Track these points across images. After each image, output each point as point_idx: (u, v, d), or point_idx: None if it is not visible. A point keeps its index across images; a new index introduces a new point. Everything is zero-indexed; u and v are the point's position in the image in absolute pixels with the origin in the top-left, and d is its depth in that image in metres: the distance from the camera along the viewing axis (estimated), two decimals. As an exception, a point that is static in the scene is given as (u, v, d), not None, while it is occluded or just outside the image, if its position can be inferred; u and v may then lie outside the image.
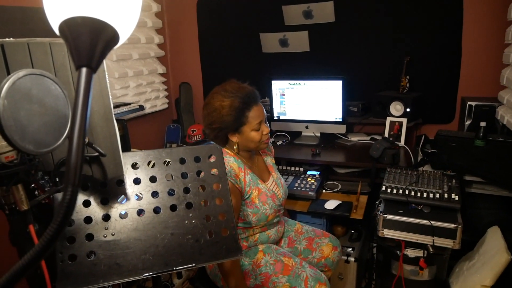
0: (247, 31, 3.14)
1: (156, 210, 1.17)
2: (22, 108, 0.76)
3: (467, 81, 2.70)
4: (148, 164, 1.20)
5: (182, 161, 1.20)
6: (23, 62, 0.94)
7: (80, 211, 1.13)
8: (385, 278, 1.96)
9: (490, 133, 2.31)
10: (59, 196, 1.10)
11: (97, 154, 0.97)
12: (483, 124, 2.28)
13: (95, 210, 1.13)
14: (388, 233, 1.80)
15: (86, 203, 1.13)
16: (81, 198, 1.13)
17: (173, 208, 1.18)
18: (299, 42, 3.00)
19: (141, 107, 2.68)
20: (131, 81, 2.87)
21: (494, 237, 1.86)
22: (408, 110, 2.55)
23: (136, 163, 1.20)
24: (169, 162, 1.20)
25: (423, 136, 2.46)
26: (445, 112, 2.79)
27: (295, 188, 2.25)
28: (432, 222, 1.71)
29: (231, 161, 1.64)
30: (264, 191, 1.71)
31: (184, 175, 1.19)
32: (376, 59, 2.84)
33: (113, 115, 0.99)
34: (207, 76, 3.43)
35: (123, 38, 0.52)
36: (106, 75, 0.97)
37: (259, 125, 1.66)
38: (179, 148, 1.20)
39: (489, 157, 2.12)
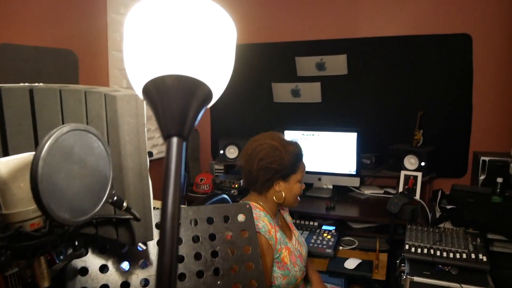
0: (259, 80, 3.17)
1: (181, 278, 1.08)
2: (62, 169, 0.68)
3: (478, 135, 2.71)
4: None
5: (210, 220, 1.13)
6: (53, 110, 0.88)
7: (96, 278, 1.02)
8: None
9: (505, 189, 2.28)
10: (76, 262, 1.02)
11: (129, 217, 0.90)
12: (500, 180, 2.25)
13: (113, 278, 1.04)
14: (415, 296, 1.70)
15: (103, 268, 1.02)
16: (97, 262, 1.03)
17: (199, 274, 1.09)
18: (311, 93, 3.02)
19: (150, 153, 2.62)
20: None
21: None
22: (423, 164, 2.53)
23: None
24: (196, 221, 1.13)
25: (440, 191, 2.41)
26: (458, 166, 2.77)
27: (311, 244, 2.16)
28: (462, 285, 1.62)
29: (262, 216, 1.57)
30: (293, 250, 1.62)
31: (212, 237, 1.12)
32: (389, 112, 2.86)
33: (148, 174, 0.92)
34: (216, 123, 3.41)
35: (215, 98, 0.47)
36: (145, 128, 0.91)
37: (301, 180, 1.65)
38: (207, 206, 1.13)
39: (508, 213, 2.06)
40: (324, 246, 2.14)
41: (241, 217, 1.17)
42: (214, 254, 1.11)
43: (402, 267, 1.81)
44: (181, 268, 1.08)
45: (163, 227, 0.40)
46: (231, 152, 3.05)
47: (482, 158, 2.45)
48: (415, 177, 2.51)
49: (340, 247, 2.25)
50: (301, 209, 2.46)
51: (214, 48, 0.44)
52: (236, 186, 2.66)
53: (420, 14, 2.73)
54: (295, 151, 1.60)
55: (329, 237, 2.22)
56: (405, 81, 2.80)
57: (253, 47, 3.14)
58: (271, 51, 3.10)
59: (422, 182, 2.52)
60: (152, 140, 3.04)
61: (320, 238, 2.22)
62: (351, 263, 2.05)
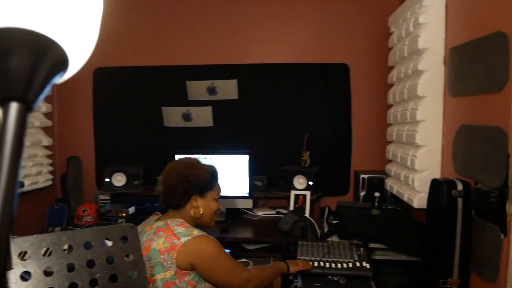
0: (149, 104, 3.07)
1: (53, 311, 0.93)
2: None
3: (358, 156, 2.96)
4: (43, 253, 0.98)
5: (88, 245, 1.01)
6: None
7: None
8: None
9: (382, 203, 2.50)
10: None
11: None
12: (377, 194, 2.47)
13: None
14: (309, 310, 1.73)
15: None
16: None
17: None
18: (203, 117, 3.00)
19: (20, 184, 2.32)
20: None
21: (402, 303, 1.91)
22: (310, 183, 2.65)
23: (24, 252, 0.97)
24: (71, 248, 0.99)
25: (327, 207, 2.54)
26: (341, 184, 2.97)
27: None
28: (350, 293, 1.70)
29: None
30: None
31: (90, 264, 0.99)
32: (279, 135, 2.98)
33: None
34: (102, 150, 3.17)
35: (73, 67, 0.39)
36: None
37: (217, 199, 1.74)
38: (85, 230, 1.01)
39: (385, 224, 2.26)
40: (219, 270, 2.07)
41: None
42: (93, 282, 0.98)
43: (295, 282, 1.83)
44: (52, 302, 0.93)
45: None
46: (118, 180, 2.85)
47: (362, 176, 2.67)
48: (304, 196, 2.62)
49: (235, 270, 2.21)
50: (195, 234, 2.37)
51: (72, 6, 0.37)
52: (124, 214, 2.47)
53: (304, 44, 2.95)
54: (210, 169, 1.71)
55: (224, 260, 2.16)
56: (292, 106, 2.96)
57: (142, 70, 3.05)
58: (161, 75, 3.04)
59: (311, 201, 2.64)
60: (24, 170, 2.69)
61: (215, 262, 2.15)
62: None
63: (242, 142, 2.96)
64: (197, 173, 1.65)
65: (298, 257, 1.94)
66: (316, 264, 1.88)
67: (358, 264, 1.87)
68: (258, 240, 2.39)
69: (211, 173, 1.71)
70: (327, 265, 1.87)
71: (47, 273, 0.95)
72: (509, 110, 1.40)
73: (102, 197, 2.85)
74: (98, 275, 0.98)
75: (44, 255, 0.96)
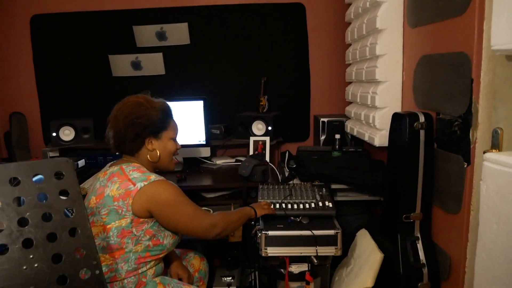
0: (94, 53, 2.83)
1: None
2: None
3: (317, 100, 2.89)
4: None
5: (15, 181, 0.87)
6: None
7: None
8: (271, 301, 1.83)
9: (343, 146, 2.47)
10: None
11: None
12: (337, 136, 2.43)
13: None
14: (272, 251, 1.68)
15: None
16: None
17: (1, 250, 0.82)
18: (154, 64, 2.81)
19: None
20: None
21: (364, 240, 1.92)
22: (269, 128, 2.57)
23: None
24: (-7, 185, 0.85)
25: (287, 152, 2.48)
26: (301, 129, 2.93)
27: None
28: (313, 231, 1.66)
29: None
30: None
31: (18, 201, 0.86)
32: (235, 80, 2.86)
33: None
34: (47, 104, 2.92)
35: None
36: None
37: (175, 138, 1.61)
38: (9, 164, 0.86)
39: (347, 165, 2.23)
40: (177, 218, 1.98)
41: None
42: (22, 222, 0.85)
43: (257, 226, 1.78)
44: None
45: None
46: (66, 134, 2.66)
47: (322, 119, 2.62)
48: (264, 142, 2.54)
49: (195, 218, 2.13)
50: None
51: None
52: (75, 168, 2.30)
53: (256, -16, 2.77)
54: (162, 106, 1.55)
55: (182, 209, 2.07)
56: (247, 49, 2.82)
57: (84, 15, 2.78)
58: (105, 20, 2.79)
59: (271, 147, 2.57)
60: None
61: (173, 211, 2.05)
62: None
63: (197, 89, 2.80)
64: (147, 113, 1.49)
65: (259, 200, 1.88)
66: (277, 206, 1.82)
67: (320, 204, 1.83)
68: (217, 188, 2.30)
69: (164, 110, 1.55)
70: (289, 206, 1.83)
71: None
72: (473, 32, 1.34)
73: (51, 154, 2.64)
74: (28, 213, 0.85)
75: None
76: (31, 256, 0.83)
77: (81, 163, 2.41)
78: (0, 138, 2.86)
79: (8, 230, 0.82)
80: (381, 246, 1.75)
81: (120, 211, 1.37)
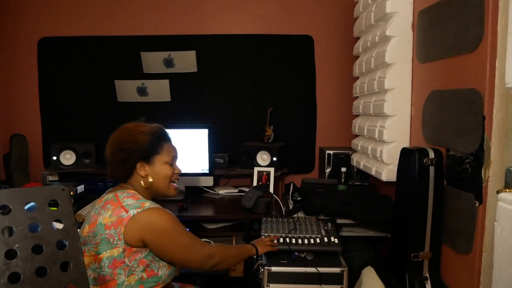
0: (100, 77, 2.83)
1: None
2: None
3: (323, 132, 2.86)
4: None
5: (5, 209, 0.82)
6: None
7: None
8: None
9: (349, 179, 2.41)
10: None
11: None
12: (343, 169, 2.37)
13: None
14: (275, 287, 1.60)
15: None
16: None
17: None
18: (160, 91, 2.80)
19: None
20: None
21: (369, 278, 1.83)
22: (274, 159, 2.53)
23: None
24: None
25: (292, 184, 2.43)
26: (306, 161, 2.88)
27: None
28: (318, 268, 1.59)
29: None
30: None
31: (8, 231, 0.81)
32: (240, 109, 2.84)
33: None
34: (49, 127, 2.90)
35: None
36: None
37: (172, 161, 1.52)
38: (1, 191, 0.82)
39: (353, 199, 2.17)
40: (177, 250, 1.91)
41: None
42: (11, 254, 0.80)
43: (260, 261, 1.70)
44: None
45: None
46: (67, 158, 2.61)
47: (327, 152, 2.58)
48: (268, 173, 2.49)
49: (195, 250, 2.06)
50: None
51: None
52: (72, 193, 2.25)
53: (266, 15, 2.80)
54: (151, 130, 1.49)
55: (182, 240, 2.00)
56: (254, 79, 2.82)
57: (92, 40, 2.80)
58: (113, 45, 2.80)
59: (275, 178, 2.51)
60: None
61: (172, 241, 1.98)
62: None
63: (202, 117, 2.78)
64: (134, 139, 1.45)
65: (263, 234, 1.82)
66: (281, 240, 1.76)
67: (326, 239, 1.77)
68: (219, 219, 2.24)
69: (154, 134, 1.49)
70: (293, 241, 1.76)
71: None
72: (485, 69, 1.32)
73: (50, 178, 2.60)
74: (17, 245, 0.80)
75: None
76: (17, 292, 0.77)
77: (80, 188, 2.36)
78: (-1, 160, 2.82)
79: (-5, 263, 0.77)
80: (388, 286, 1.67)
81: (111, 240, 1.31)
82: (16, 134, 2.79)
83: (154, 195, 1.52)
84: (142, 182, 1.46)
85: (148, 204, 1.36)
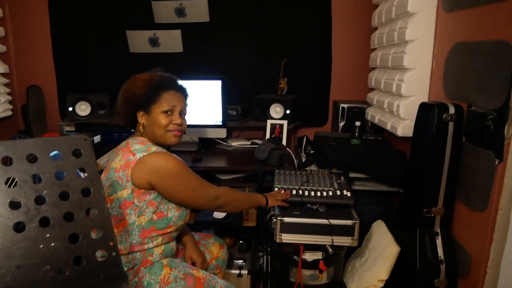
0: (112, 28, 2.77)
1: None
2: None
3: (338, 84, 2.80)
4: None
5: (33, 159, 0.84)
6: None
7: None
8: (283, 287, 1.80)
9: (363, 133, 2.40)
10: None
11: None
12: (358, 123, 2.35)
13: None
14: (287, 237, 1.64)
15: None
16: None
17: (18, 227, 0.80)
18: (172, 41, 2.74)
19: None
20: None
21: (380, 231, 1.87)
22: (288, 112, 2.51)
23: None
24: (11, 160, 0.82)
25: (305, 137, 2.43)
26: (320, 114, 2.85)
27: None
28: (330, 220, 1.62)
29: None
30: None
31: (36, 179, 0.83)
32: (254, 61, 2.78)
33: None
34: (63, 78, 2.90)
35: None
36: None
37: (171, 111, 1.50)
38: (27, 140, 0.83)
39: (366, 153, 2.17)
40: (192, 199, 1.96)
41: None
42: (40, 200, 0.82)
43: (272, 211, 1.74)
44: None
45: None
46: (83, 109, 2.63)
47: (341, 105, 2.54)
48: (281, 126, 2.49)
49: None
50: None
51: None
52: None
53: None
54: (151, 79, 1.50)
55: (197, 190, 2.04)
56: (267, 29, 2.73)
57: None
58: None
59: (288, 131, 2.51)
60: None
61: (187, 191, 2.03)
62: (220, 213, 1.92)
63: (215, 68, 2.73)
64: (133, 88, 1.48)
65: (275, 186, 1.84)
66: (294, 192, 1.78)
67: (338, 192, 1.78)
68: (232, 170, 2.27)
69: (152, 83, 1.48)
70: (306, 193, 1.78)
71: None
72: (517, 20, 1.25)
73: (67, 128, 2.63)
74: (45, 191, 0.82)
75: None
76: (47, 235, 0.81)
77: (97, 139, 2.39)
78: (17, 110, 2.85)
79: (25, 208, 0.79)
80: (397, 239, 1.71)
81: (120, 181, 1.38)
82: (32, 86, 2.80)
83: (158, 143, 1.52)
84: (141, 128, 1.51)
85: (154, 148, 1.42)
